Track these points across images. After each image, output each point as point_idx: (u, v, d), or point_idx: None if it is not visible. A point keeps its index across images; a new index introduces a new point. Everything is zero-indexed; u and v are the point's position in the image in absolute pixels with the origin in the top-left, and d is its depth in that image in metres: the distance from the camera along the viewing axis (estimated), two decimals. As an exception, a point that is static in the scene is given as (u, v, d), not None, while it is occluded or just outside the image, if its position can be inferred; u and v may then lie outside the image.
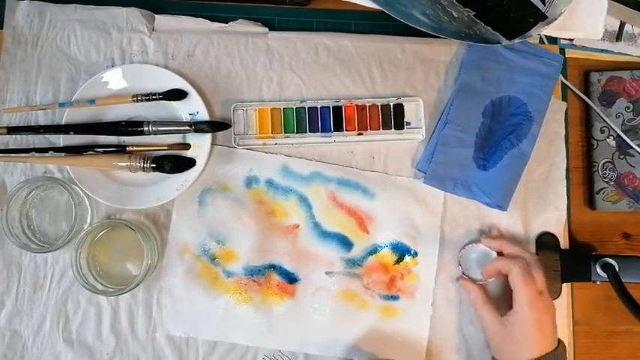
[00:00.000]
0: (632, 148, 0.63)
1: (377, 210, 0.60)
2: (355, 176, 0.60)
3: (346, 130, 0.60)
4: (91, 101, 0.58)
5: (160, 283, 0.58)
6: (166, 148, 0.58)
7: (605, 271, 0.57)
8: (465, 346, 0.59)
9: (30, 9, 0.61)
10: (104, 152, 0.58)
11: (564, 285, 0.60)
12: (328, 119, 0.60)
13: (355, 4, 0.49)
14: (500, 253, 0.57)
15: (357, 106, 0.60)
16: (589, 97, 0.64)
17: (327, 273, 0.59)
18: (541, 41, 0.64)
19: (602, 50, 0.65)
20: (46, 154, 0.58)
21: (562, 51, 0.64)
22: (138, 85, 0.59)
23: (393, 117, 0.60)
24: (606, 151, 0.63)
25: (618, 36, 0.65)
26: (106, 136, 0.59)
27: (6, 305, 0.58)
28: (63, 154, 0.58)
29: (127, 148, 0.58)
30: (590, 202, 0.63)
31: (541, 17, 0.50)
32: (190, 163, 0.57)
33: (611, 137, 0.63)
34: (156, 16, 0.61)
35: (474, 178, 0.59)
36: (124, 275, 0.58)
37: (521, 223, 0.60)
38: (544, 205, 0.61)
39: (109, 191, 0.57)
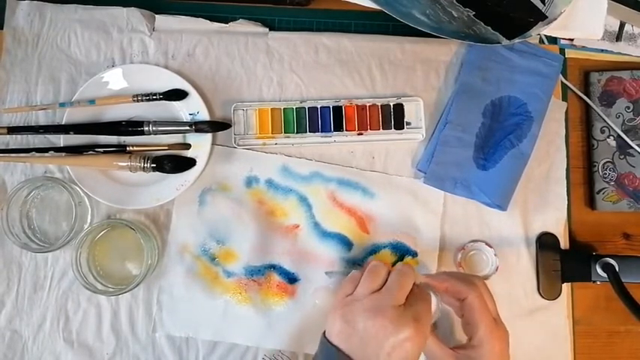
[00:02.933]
0: (632, 148, 0.63)
1: (377, 210, 0.60)
2: (355, 176, 0.60)
3: (346, 130, 0.60)
4: (92, 101, 0.58)
5: (160, 282, 0.58)
6: (166, 148, 0.58)
7: (605, 271, 0.57)
8: (465, 346, 0.59)
9: (30, 9, 0.61)
10: (104, 152, 0.58)
11: (564, 285, 0.60)
12: (328, 119, 0.60)
13: (355, 4, 0.49)
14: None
15: (357, 106, 0.60)
16: (589, 97, 0.64)
17: (327, 273, 0.59)
18: (541, 41, 0.64)
19: (602, 50, 0.65)
20: (47, 154, 0.58)
21: (562, 51, 0.64)
22: (138, 85, 0.59)
23: (393, 117, 0.60)
24: (606, 151, 0.63)
25: (618, 36, 0.65)
26: (106, 136, 0.59)
27: (6, 305, 0.58)
28: (63, 154, 0.58)
29: (127, 148, 0.58)
30: (591, 202, 0.63)
31: (541, 17, 0.50)
32: (190, 163, 0.57)
33: (611, 137, 0.63)
34: (156, 16, 0.61)
35: (474, 178, 0.59)
36: (124, 275, 0.58)
37: (521, 223, 0.60)
38: (544, 205, 0.61)
39: (109, 191, 0.57)
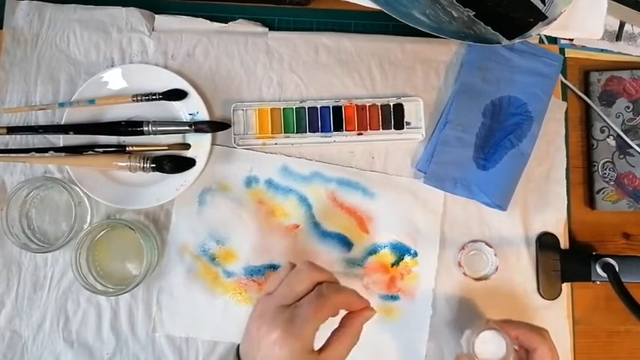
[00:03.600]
0: (632, 147, 0.63)
1: (377, 210, 0.60)
2: (355, 176, 0.60)
3: (346, 130, 0.60)
4: (91, 101, 0.58)
5: (160, 283, 0.58)
6: (166, 148, 0.58)
7: (605, 271, 0.57)
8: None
9: (30, 9, 0.60)
10: (104, 152, 0.58)
11: (564, 285, 0.60)
12: (328, 119, 0.60)
13: (355, 4, 0.49)
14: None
15: (357, 106, 0.60)
16: (589, 97, 0.64)
17: (327, 273, 0.59)
18: (541, 41, 0.64)
19: (602, 50, 0.65)
20: (46, 154, 0.58)
21: (562, 51, 0.64)
22: (138, 85, 0.58)
23: (393, 117, 0.60)
24: (606, 150, 0.63)
25: (618, 36, 0.65)
26: (106, 136, 0.59)
27: (6, 305, 0.58)
28: (63, 154, 0.58)
29: (127, 148, 0.58)
30: (590, 202, 0.63)
31: (541, 17, 0.50)
32: (190, 163, 0.57)
33: (611, 137, 0.63)
34: (156, 16, 0.61)
35: (474, 178, 0.59)
36: (124, 275, 0.58)
37: (521, 223, 0.60)
38: (544, 205, 0.61)
39: (108, 191, 0.57)
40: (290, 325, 0.40)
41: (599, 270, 0.58)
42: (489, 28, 0.50)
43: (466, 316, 0.59)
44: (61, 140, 0.58)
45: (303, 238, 0.59)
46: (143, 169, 0.56)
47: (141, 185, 0.58)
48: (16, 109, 0.60)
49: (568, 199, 0.62)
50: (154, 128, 0.57)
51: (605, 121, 0.63)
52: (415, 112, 0.61)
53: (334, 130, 0.60)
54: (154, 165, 0.56)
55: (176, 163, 0.57)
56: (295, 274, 0.44)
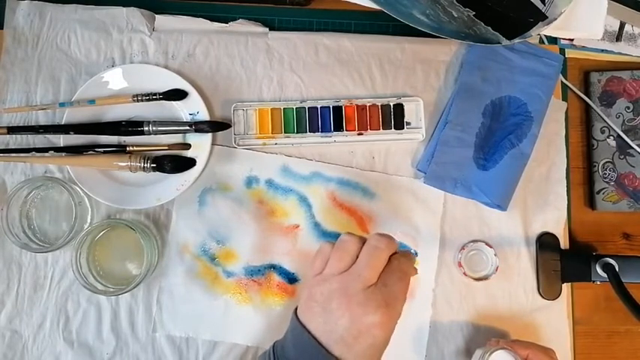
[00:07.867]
0: (632, 148, 0.63)
1: (377, 210, 0.60)
2: (355, 176, 0.60)
3: (346, 130, 0.60)
4: (91, 101, 0.58)
5: (160, 283, 0.58)
6: (166, 148, 0.58)
7: (605, 271, 0.57)
8: (464, 346, 0.59)
9: (30, 9, 0.61)
10: (104, 152, 0.58)
11: (564, 285, 0.60)
12: (328, 119, 0.60)
13: (355, 4, 0.49)
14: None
15: (357, 106, 0.60)
16: (589, 97, 0.64)
17: (327, 273, 0.58)
18: (541, 41, 0.64)
19: (602, 50, 0.65)
20: (47, 154, 0.58)
21: (562, 51, 0.64)
22: (138, 85, 0.59)
23: (393, 117, 0.60)
24: (606, 151, 0.63)
25: (618, 36, 0.65)
26: (107, 136, 0.59)
27: (6, 305, 0.58)
28: (63, 154, 0.58)
29: (128, 148, 0.58)
30: (591, 202, 0.63)
31: (541, 17, 0.50)
32: (190, 163, 0.57)
33: (611, 137, 0.63)
34: (156, 16, 0.61)
35: (474, 178, 0.59)
36: (124, 275, 0.58)
37: (521, 223, 0.60)
38: (544, 205, 0.61)
39: (109, 191, 0.57)
40: (388, 308, 0.42)
41: (599, 270, 0.58)
42: (489, 28, 0.50)
43: (466, 316, 0.59)
44: (61, 140, 0.58)
45: (303, 238, 0.59)
46: (143, 169, 0.56)
47: (141, 185, 0.58)
48: (17, 109, 0.60)
49: (568, 200, 0.62)
50: (154, 128, 0.57)
51: (605, 121, 0.63)
52: (415, 112, 0.61)
53: (334, 130, 0.60)
54: (154, 165, 0.56)
55: (176, 163, 0.57)
56: (374, 251, 0.44)
